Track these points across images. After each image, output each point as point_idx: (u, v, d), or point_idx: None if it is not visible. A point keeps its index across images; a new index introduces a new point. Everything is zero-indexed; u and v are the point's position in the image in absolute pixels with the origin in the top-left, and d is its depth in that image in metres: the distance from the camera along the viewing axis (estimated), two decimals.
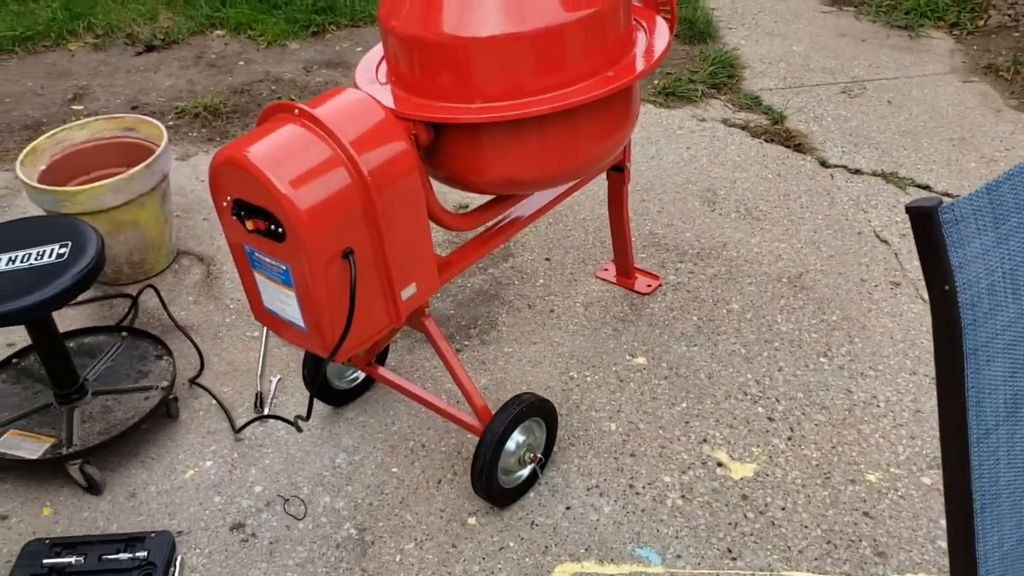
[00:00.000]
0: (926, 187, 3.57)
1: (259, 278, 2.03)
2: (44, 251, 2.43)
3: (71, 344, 2.84)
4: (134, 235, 3.17)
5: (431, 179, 2.26)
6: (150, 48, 4.97)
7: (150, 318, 3.15)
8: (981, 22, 4.80)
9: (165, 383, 2.69)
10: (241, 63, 4.81)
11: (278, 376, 2.87)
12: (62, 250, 2.43)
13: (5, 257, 2.42)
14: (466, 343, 2.95)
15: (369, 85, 2.26)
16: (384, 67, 2.34)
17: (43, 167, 3.20)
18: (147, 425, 2.62)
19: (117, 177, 3.00)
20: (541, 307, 3.09)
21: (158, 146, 3.26)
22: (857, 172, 3.68)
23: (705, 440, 2.57)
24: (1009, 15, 4.81)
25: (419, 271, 2.11)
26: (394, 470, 2.54)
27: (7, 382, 2.76)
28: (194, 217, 3.65)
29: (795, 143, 3.88)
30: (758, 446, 2.54)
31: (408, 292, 2.10)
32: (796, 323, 2.94)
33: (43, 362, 2.58)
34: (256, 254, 1.97)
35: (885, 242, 3.27)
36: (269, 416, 2.67)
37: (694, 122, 4.09)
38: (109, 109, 4.38)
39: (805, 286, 3.09)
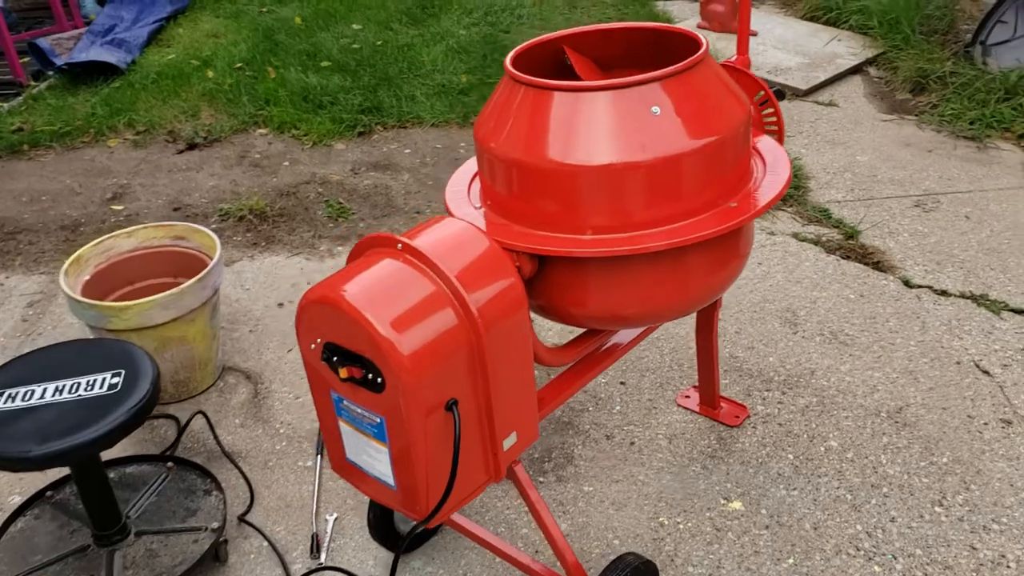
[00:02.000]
0: (1022, 311, 3.34)
1: (345, 428, 1.80)
2: (95, 380, 2.21)
3: (111, 474, 2.60)
4: (181, 352, 2.95)
5: None
6: (192, 146, 4.84)
7: (195, 442, 2.90)
8: None
9: (216, 524, 2.43)
10: (286, 163, 4.67)
11: (335, 515, 2.61)
12: (115, 380, 2.21)
13: (52, 387, 2.20)
14: (541, 480, 2.69)
15: (462, 209, 2.07)
16: (477, 187, 2.15)
17: (87, 277, 3.01)
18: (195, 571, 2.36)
19: (167, 293, 2.80)
20: (620, 438, 2.84)
21: (209, 256, 3.08)
22: (944, 293, 3.46)
23: None
24: None
25: (521, 418, 1.88)
26: None
27: (40, 518, 2.50)
28: (240, 329, 3.44)
29: (874, 260, 3.68)
30: None
31: (509, 442, 1.87)
32: (903, 465, 2.68)
33: (83, 500, 2.33)
34: (345, 403, 1.75)
35: (987, 373, 3.03)
36: (328, 568, 2.39)
37: (763, 235, 3.90)
38: (150, 209, 4.22)
39: (908, 422, 2.84)
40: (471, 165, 2.24)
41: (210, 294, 2.95)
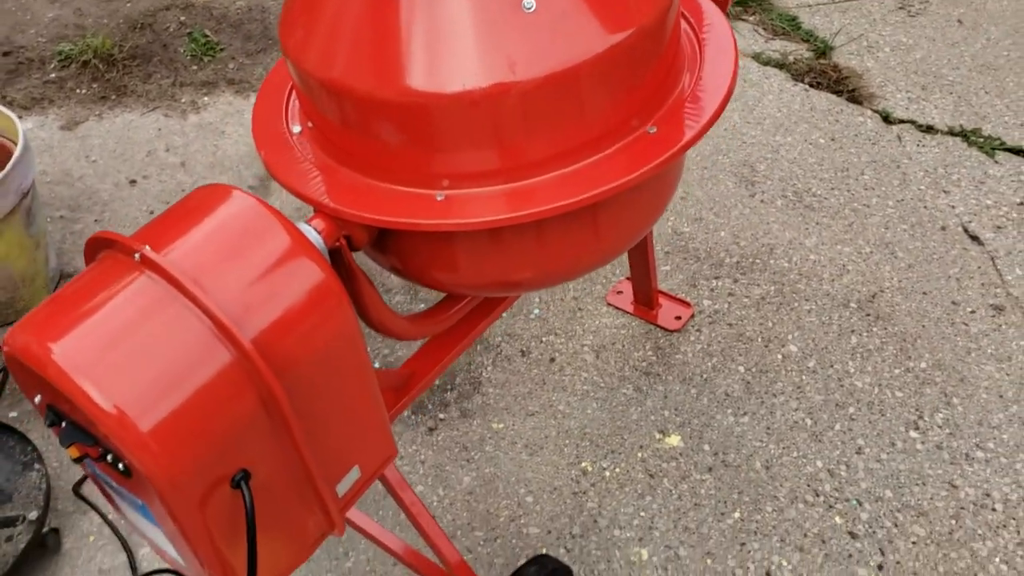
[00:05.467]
0: (1020, 151, 2.79)
1: (112, 493, 1.29)
2: None
3: None
4: None
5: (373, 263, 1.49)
6: None
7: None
8: None
9: (35, 513, 1.97)
10: None
11: None
12: None
13: None
14: (441, 416, 2.23)
15: (273, 136, 1.46)
16: (297, 103, 1.52)
17: None
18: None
19: None
20: (538, 354, 2.35)
21: (14, 143, 2.42)
22: (929, 130, 2.89)
23: (768, 573, 1.90)
24: None
25: (363, 446, 1.38)
26: None
27: None
28: (83, 219, 2.83)
29: (848, 88, 3.06)
30: None
31: (347, 483, 1.37)
32: (874, 375, 2.23)
33: None
34: (99, 472, 1.22)
35: (976, 239, 2.53)
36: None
37: None
38: None
39: (881, 314, 2.36)
40: None
41: (16, 200, 2.32)
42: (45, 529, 1.99)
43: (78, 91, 3.27)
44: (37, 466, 2.07)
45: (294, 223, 1.23)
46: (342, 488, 1.36)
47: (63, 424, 1.14)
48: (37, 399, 1.18)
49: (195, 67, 3.34)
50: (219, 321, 1.09)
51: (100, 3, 3.70)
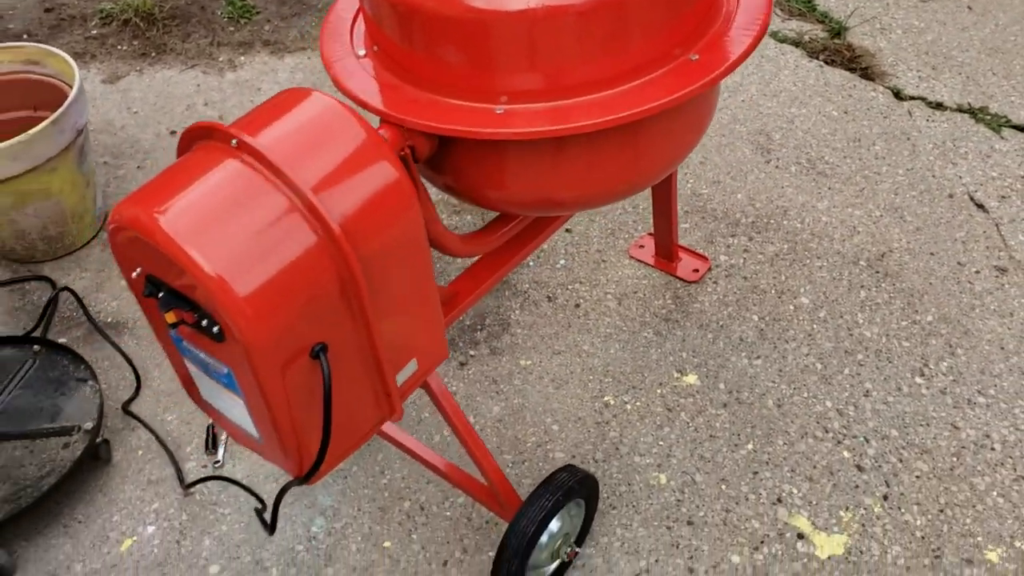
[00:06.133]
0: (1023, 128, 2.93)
1: (192, 368, 1.41)
2: None
3: None
4: (46, 206, 2.49)
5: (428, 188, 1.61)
6: None
7: (73, 310, 2.51)
8: None
9: (90, 423, 2.09)
10: None
11: None
12: None
13: None
14: (472, 353, 2.35)
15: (342, 57, 1.58)
16: (362, 25, 1.64)
17: None
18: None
19: (13, 141, 2.30)
20: (564, 300, 2.48)
21: (69, 85, 2.54)
22: (939, 107, 3.02)
23: (780, 499, 2.03)
24: None
25: (421, 342, 1.50)
26: (386, 544, 1.99)
27: None
28: (126, 165, 2.95)
29: (861, 66, 3.19)
30: (847, 509, 2.01)
31: (406, 374, 1.49)
32: (882, 325, 2.36)
33: None
34: (186, 343, 1.34)
35: (981, 207, 2.66)
36: (225, 479, 2.08)
37: None
38: (16, 10, 3.57)
39: (889, 272, 2.49)
40: None
41: (71, 137, 2.44)
42: (99, 439, 2.11)
43: (119, 47, 3.39)
44: (90, 382, 2.19)
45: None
46: (401, 378, 1.48)
47: (160, 295, 1.26)
48: (135, 273, 1.30)
49: (232, 28, 3.46)
50: (310, 204, 1.22)
51: None
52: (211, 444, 2.18)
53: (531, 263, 2.57)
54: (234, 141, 1.24)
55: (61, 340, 2.39)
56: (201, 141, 1.30)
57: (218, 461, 2.15)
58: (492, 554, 1.96)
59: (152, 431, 2.20)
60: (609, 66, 1.40)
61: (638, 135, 1.50)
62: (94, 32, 3.44)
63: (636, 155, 1.54)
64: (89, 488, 2.12)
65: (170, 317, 1.25)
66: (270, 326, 1.21)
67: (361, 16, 1.66)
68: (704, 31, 1.49)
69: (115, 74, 3.28)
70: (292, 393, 1.29)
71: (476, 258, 1.82)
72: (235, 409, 1.39)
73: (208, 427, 2.20)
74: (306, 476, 1.39)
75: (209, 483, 2.11)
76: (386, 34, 1.50)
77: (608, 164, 1.53)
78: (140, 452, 2.19)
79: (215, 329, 1.22)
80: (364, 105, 1.48)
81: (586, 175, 1.54)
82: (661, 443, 2.14)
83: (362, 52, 1.59)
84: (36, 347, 2.26)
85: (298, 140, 1.27)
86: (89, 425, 2.09)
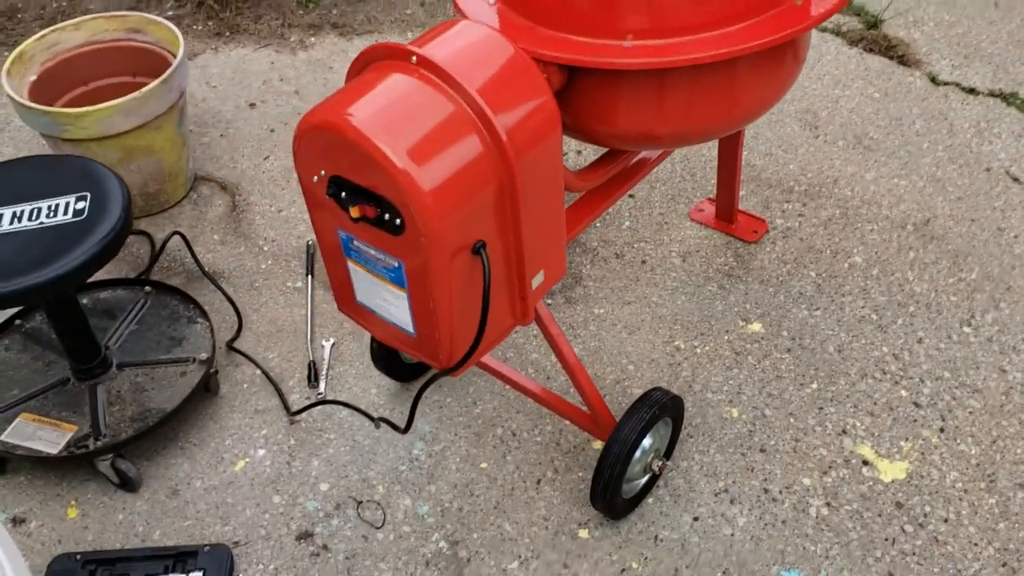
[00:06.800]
0: None
1: (355, 268, 1.58)
2: (57, 205, 1.95)
3: (85, 301, 2.39)
4: (149, 163, 2.66)
5: None
6: None
7: (172, 261, 2.68)
8: None
9: (204, 355, 2.26)
10: None
11: (331, 340, 2.44)
12: (80, 204, 1.95)
13: (8, 212, 1.93)
14: (548, 302, 2.53)
15: (475, 6, 1.76)
16: None
17: (33, 78, 2.66)
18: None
19: (129, 97, 2.47)
20: (631, 257, 2.65)
21: (171, 52, 2.72)
22: (972, 92, 3.21)
23: (844, 431, 2.20)
24: None
25: (550, 254, 1.67)
26: (483, 465, 2.16)
27: (12, 350, 2.31)
28: (209, 133, 3.12)
29: (898, 54, 3.39)
30: (907, 439, 2.18)
31: (537, 281, 1.66)
32: (931, 282, 2.54)
33: (58, 335, 2.13)
34: (356, 242, 1.52)
35: (1018, 180, 2.85)
36: (334, 402, 2.25)
37: None
38: None
39: (935, 235, 2.67)
40: None
41: (176, 97, 2.62)
42: (213, 369, 2.27)
43: (194, 27, 3.57)
44: (201, 320, 2.36)
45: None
46: (534, 284, 1.65)
47: (343, 194, 1.43)
48: (316, 177, 1.47)
49: (301, 12, 3.65)
50: (483, 113, 1.39)
51: None
52: (313, 378, 2.34)
53: (597, 224, 2.75)
54: (414, 58, 1.42)
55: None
56: (377, 62, 1.48)
57: (321, 393, 2.32)
58: (581, 474, 2.12)
59: (258, 365, 2.37)
60: (723, 7, 1.58)
61: (739, 71, 1.67)
62: (170, 12, 3.62)
63: (736, 90, 1.72)
64: (200, 417, 2.28)
65: (354, 212, 1.42)
66: (447, 219, 1.38)
67: None
68: None
69: (192, 51, 3.46)
70: (455, 283, 1.46)
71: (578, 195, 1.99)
72: (394, 306, 1.56)
73: (309, 363, 2.37)
74: (455, 366, 1.56)
75: (314, 412, 2.27)
76: None
77: (711, 98, 1.70)
78: (245, 386, 2.35)
79: (397, 221, 1.39)
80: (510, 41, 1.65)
81: (691, 109, 1.71)
82: (731, 382, 2.32)
83: (492, 1, 1.77)
84: (147, 288, 2.42)
85: (468, 58, 1.45)
86: (204, 356, 2.25)
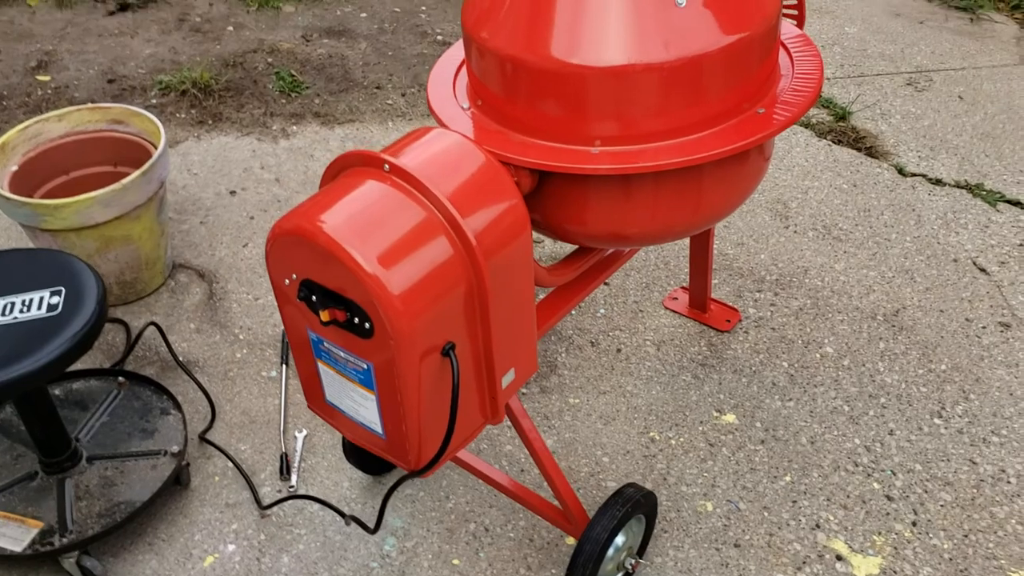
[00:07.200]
0: (1017, 203, 3.20)
1: (325, 369, 1.59)
2: (31, 300, 1.95)
3: (56, 391, 2.38)
4: (126, 252, 2.68)
5: None
6: (124, 7, 4.37)
7: (147, 350, 2.67)
8: None
9: (176, 447, 2.24)
10: (230, 28, 4.25)
11: (304, 431, 2.43)
12: (54, 299, 1.95)
13: None
14: (524, 392, 2.53)
15: (449, 110, 1.80)
16: (464, 80, 1.87)
17: (15, 168, 2.68)
18: None
19: (108, 188, 2.50)
20: (606, 345, 2.67)
21: (151, 142, 2.76)
22: (939, 183, 3.30)
23: (818, 525, 2.20)
24: None
25: (520, 351, 1.69)
26: (455, 562, 2.13)
27: None
28: (189, 220, 3.15)
29: (866, 146, 3.48)
30: (880, 533, 2.18)
31: (507, 380, 1.68)
32: (901, 373, 2.57)
33: (27, 428, 2.11)
34: (326, 344, 1.53)
35: (984, 271, 2.91)
36: (305, 497, 2.22)
37: None
38: (81, 81, 3.82)
39: (904, 326, 2.71)
40: (456, 51, 1.96)
41: (156, 188, 2.65)
42: (184, 461, 2.25)
43: (177, 115, 3.63)
44: (174, 411, 2.35)
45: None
46: (504, 382, 1.66)
47: (313, 297, 1.45)
48: (288, 280, 1.49)
49: (283, 100, 3.72)
50: (452, 218, 1.42)
51: (193, 44, 4.10)
52: (285, 470, 2.32)
53: (573, 312, 2.78)
54: (386, 166, 1.45)
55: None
56: (351, 168, 1.51)
57: (292, 486, 2.30)
58: (555, 571, 2.10)
59: (230, 457, 2.35)
60: (693, 115, 1.63)
61: (705, 175, 1.71)
62: (153, 101, 3.68)
63: (702, 193, 1.76)
64: (170, 511, 2.25)
65: (324, 316, 1.43)
66: (416, 321, 1.40)
67: (460, 79, 1.89)
68: (769, 88, 1.73)
69: (174, 139, 3.51)
70: (424, 386, 1.47)
71: (549, 290, 2.02)
72: (363, 407, 1.56)
73: (281, 455, 2.35)
74: (425, 468, 1.56)
75: (285, 506, 2.25)
76: (491, 89, 1.73)
77: (678, 200, 1.74)
78: (217, 478, 2.33)
79: (367, 325, 1.41)
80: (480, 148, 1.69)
81: (658, 211, 1.75)
82: (706, 474, 2.32)
83: (466, 106, 1.82)
84: (121, 379, 2.41)
85: (439, 165, 1.49)
86: (175, 449, 2.24)
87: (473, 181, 1.50)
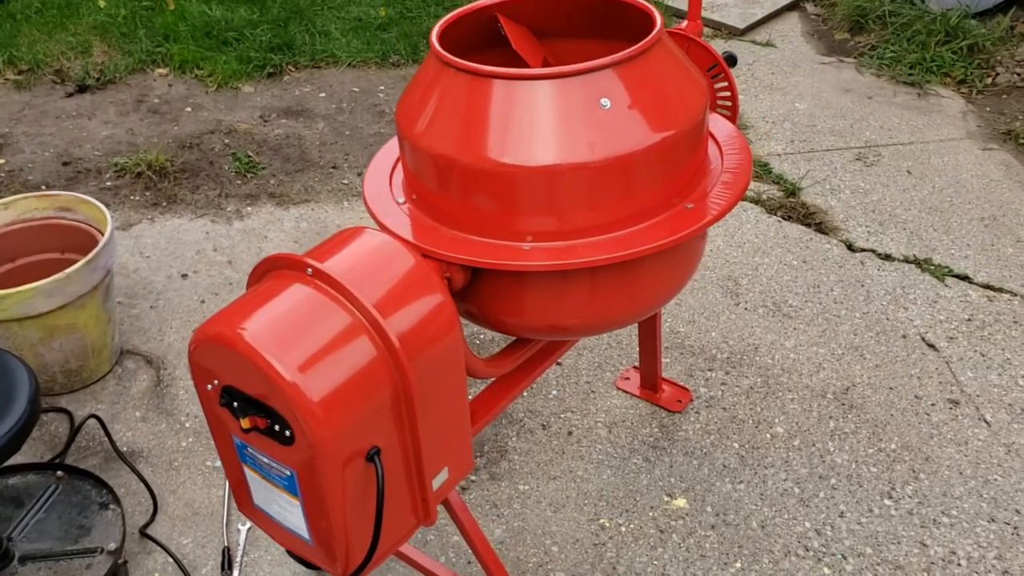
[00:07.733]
0: (965, 277, 3.24)
1: (250, 474, 1.56)
2: None
3: None
4: (71, 340, 2.65)
5: None
6: (83, 88, 4.40)
7: (90, 440, 2.63)
8: (989, 80, 4.53)
9: (113, 544, 2.19)
10: (188, 109, 4.27)
11: (248, 523, 2.38)
12: None
13: None
14: (473, 479, 2.50)
15: (384, 205, 1.81)
16: (400, 175, 1.89)
17: None
18: None
19: (51, 279, 2.48)
20: (557, 428, 2.66)
21: (99, 229, 2.75)
22: (888, 258, 3.34)
23: None
24: (1018, 74, 4.55)
25: (453, 450, 1.67)
26: None
27: None
28: (139, 305, 3.12)
29: (816, 221, 3.53)
30: None
31: (439, 480, 1.65)
32: (851, 452, 2.56)
33: None
34: (249, 450, 1.51)
35: (933, 347, 2.93)
36: None
37: None
38: (36, 164, 3.81)
39: (854, 404, 2.72)
40: (394, 146, 1.97)
41: (101, 276, 2.63)
42: (121, 559, 2.19)
43: (132, 197, 3.63)
44: (112, 506, 2.30)
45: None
46: (436, 484, 1.64)
47: (235, 404, 1.43)
48: (210, 386, 1.47)
49: (239, 181, 3.73)
50: (375, 321, 1.42)
51: (151, 125, 4.12)
52: (227, 566, 2.27)
53: (525, 393, 2.76)
54: (309, 270, 1.45)
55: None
56: (275, 271, 1.51)
57: None
58: None
59: (171, 553, 2.29)
60: (621, 211, 1.65)
61: (638, 268, 1.73)
62: (108, 184, 3.68)
63: (636, 285, 1.77)
64: None
65: (245, 423, 1.42)
66: (336, 428, 1.38)
67: (397, 173, 1.90)
68: (696, 184, 1.76)
69: (128, 222, 3.50)
70: (348, 493, 1.45)
71: (490, 380, 2.01)
72: (289, 512, 1.53)
73: (224, 549, 2.30)
74: (353, 574, 1.52)
75: None
76: (425, 186, 1.74)
77: (613, 293, 1.75)
78: (156, 574, 2.27)
79: (287, 433, 1.39)
80: (407, 243, 1.70)
81: (594, 303, 1.76)
82: (655, 562, 2.29)
83: (402, 200, 1.83)
84: (59, 473, 2.36)
85: (362, 268, 1.49)
86: (112, 546, 2.18)
87: (398, 283, 1.50)
